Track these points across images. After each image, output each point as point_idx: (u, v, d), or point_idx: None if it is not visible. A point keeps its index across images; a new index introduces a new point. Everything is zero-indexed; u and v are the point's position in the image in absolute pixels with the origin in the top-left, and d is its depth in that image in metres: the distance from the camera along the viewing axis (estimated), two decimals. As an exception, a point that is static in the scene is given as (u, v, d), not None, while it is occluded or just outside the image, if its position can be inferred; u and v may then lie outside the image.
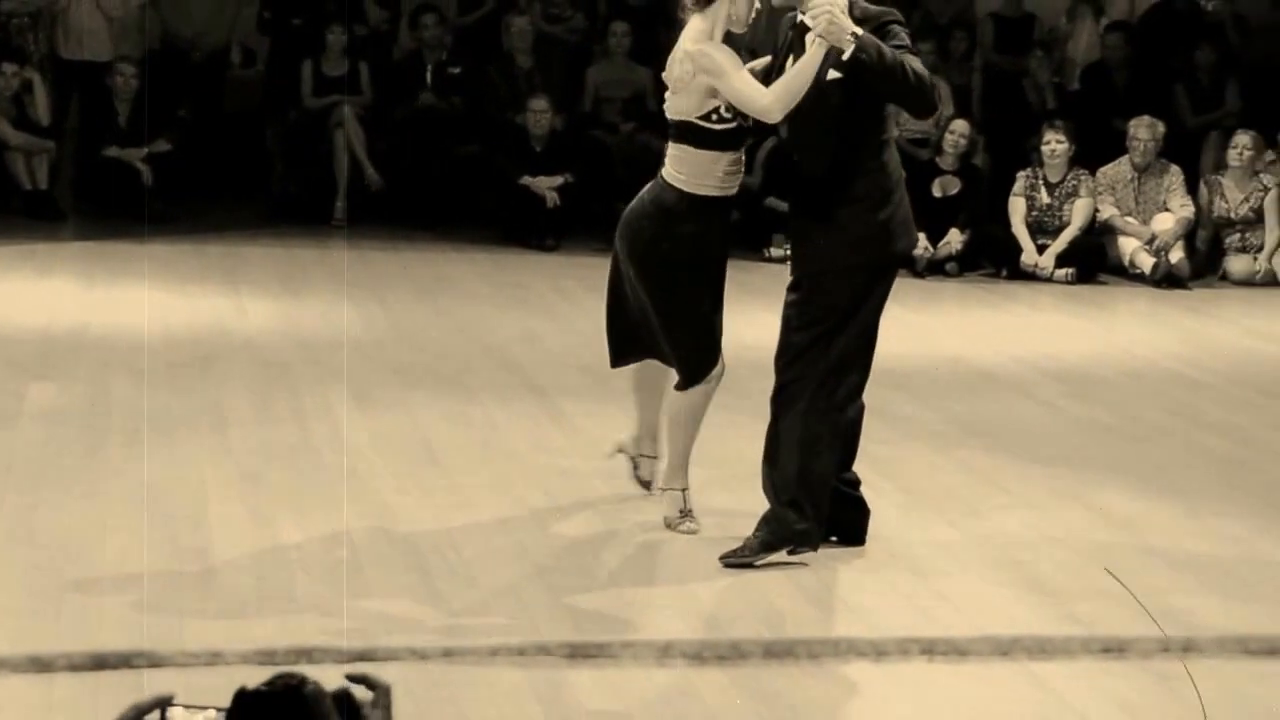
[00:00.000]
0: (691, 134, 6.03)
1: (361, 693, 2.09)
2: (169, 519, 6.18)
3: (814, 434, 5.99)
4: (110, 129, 12.50)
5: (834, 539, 6.23)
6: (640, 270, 6.13)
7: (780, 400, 6.04)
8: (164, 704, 1.97)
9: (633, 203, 6.25)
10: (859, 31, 5.80)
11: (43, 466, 6.73)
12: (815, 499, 6.02)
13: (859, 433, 6.27)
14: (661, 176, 6.13)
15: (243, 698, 2.03)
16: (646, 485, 6.56)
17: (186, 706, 1.99)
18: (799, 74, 5.92)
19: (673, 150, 6.11)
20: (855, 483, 6.30)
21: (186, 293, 10.18)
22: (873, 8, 5.99)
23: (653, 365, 6.37)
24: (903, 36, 5.94)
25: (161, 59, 13.16)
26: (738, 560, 5.99)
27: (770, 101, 5.94)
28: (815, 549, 6.04)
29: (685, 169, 6.06)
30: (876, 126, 6.09)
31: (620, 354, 6.39)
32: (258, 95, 13.52)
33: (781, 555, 5.99)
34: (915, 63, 5.88)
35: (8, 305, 9.55)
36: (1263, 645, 5.55)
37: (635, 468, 6.56)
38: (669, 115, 6.13)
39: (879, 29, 5.89)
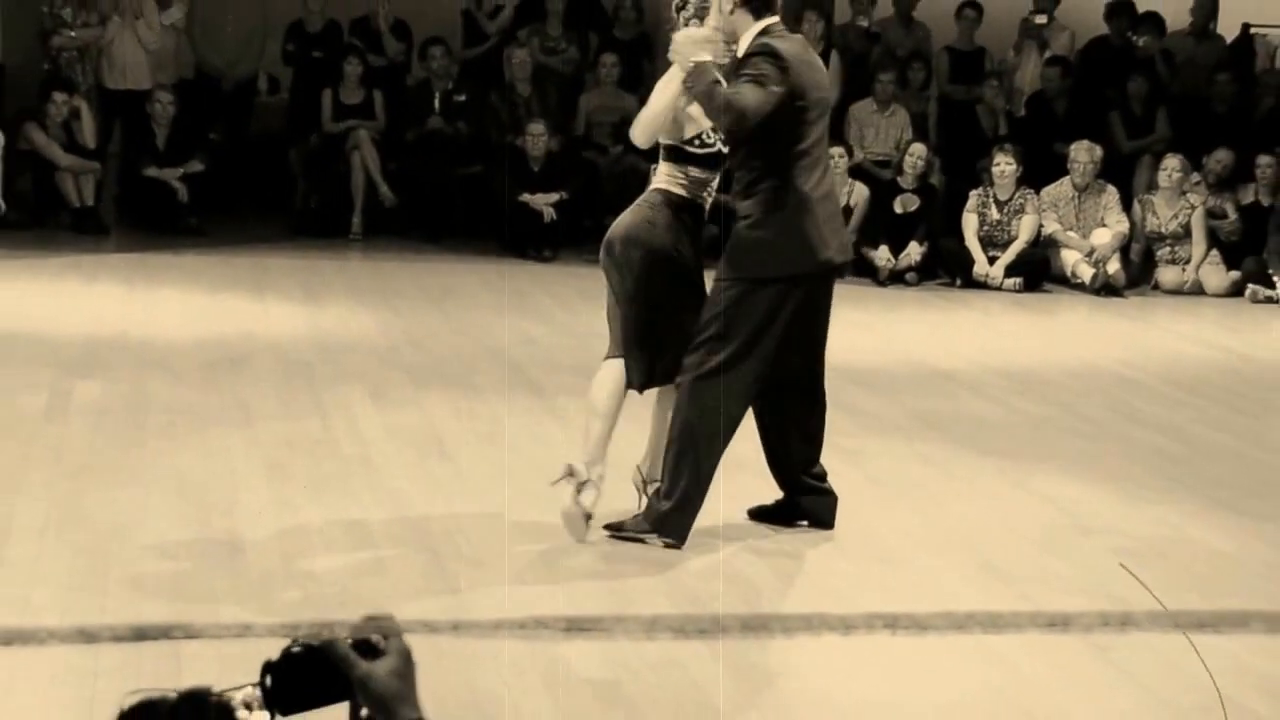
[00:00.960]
0: (676, 156, 6.00)
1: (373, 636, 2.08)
2: (202, 504, 6.16)
3: (690, 430, 5.89)
4: (149, 151, 12.47)
5: (805, 524, 6.22)
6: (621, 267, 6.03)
7: (678, 395, 5.96)
8: (205, 694, 1.94)
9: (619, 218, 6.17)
10: (700, 59, 5.75)
11: (88, 457, 6.71)
12: (692, 488, 5.88)
13: (818, 432, 6.19)
14: (647, 193, 6.09)
15: (270, 668, 2.01)
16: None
17: (220, 693, 1.97)
18: (651, 102, 5.89)
19: (661, 168, 6.08)
20: (822, 475, 6.25)
21: (217, 299, 10.15)
22: (771, 43, 5.83)
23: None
24: (760, 66, 5.74)
25: (196, 88, 13.15)
26: (617, 534, 5.96)
27: (634, 129, 5.98)
28: (680, 543, 5.88)
29: (667, 182, 6.03)
30: (768, 150, 5.86)
31: (649, 379, 6.10)
32: (282, 120, 13.49)
33: (656, 539, 5.89)
34: (744, 92, 5.68)
35: (57, 311, 9.52)
36: (1192, 620, 5.53)
37: (645, 489, 6.16)
38: (660, 140, 6.05)
39: (745, 58, 5.81)
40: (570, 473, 5.92)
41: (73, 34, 12.74)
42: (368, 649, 2.06)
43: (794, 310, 5.94)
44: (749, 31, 5.85)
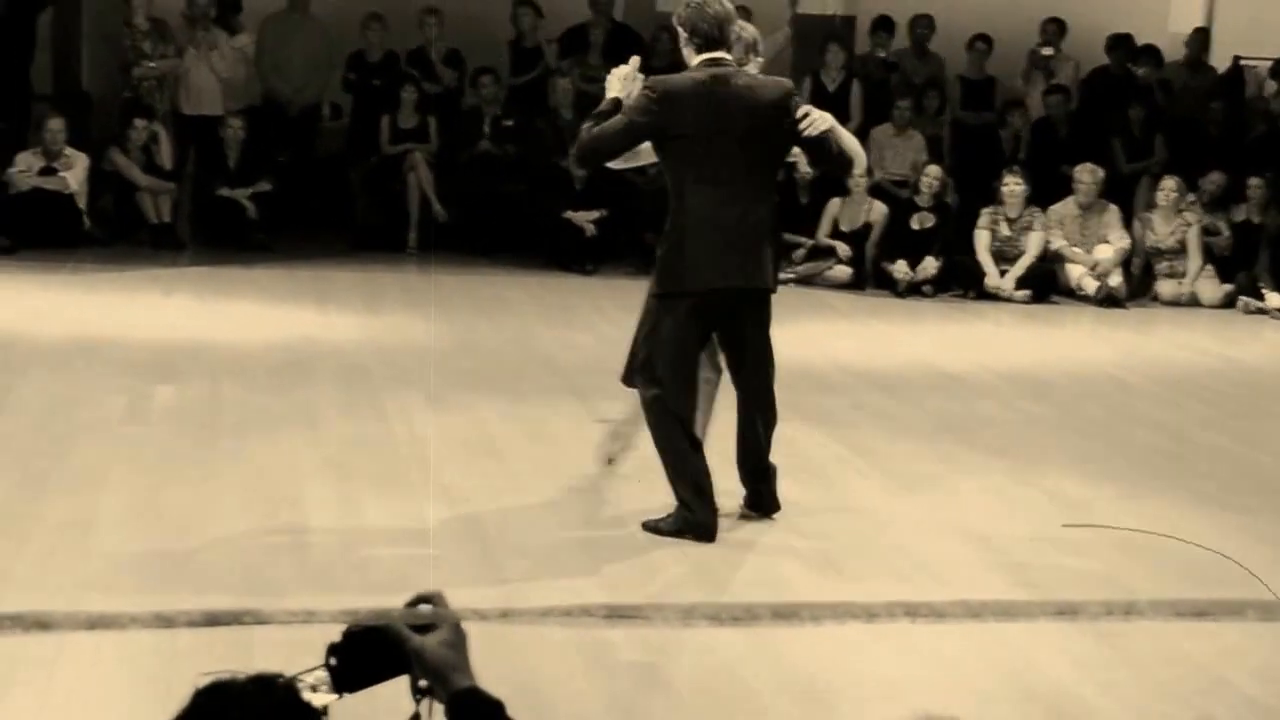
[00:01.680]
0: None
1: (422, 608, 2.07)
2: (270, 499, 6.16)
3: (661, 444, 5.91)
4: (222, 172, 12.50)
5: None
6: None
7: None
8: (273, 676, 1.93)
9: None
10: (613, 95, 5.84)
11: (166, 455, 6.71)
12: (688, 494, 5.88)
13: (751, 439, 6.07)
14: None
15: (334, 649, 2.00)
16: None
17: (293, 678, 1.96)
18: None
19: None
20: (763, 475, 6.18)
21: (283, 309, 10.17)
22: (658, 78, 5.87)
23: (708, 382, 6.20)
24: (637, 100, 5.79)
25: (264, 114, 13.17)
26: (653, 528, 5.93)
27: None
28: (711, 540, 5.88)
29: None
30: (670, 174, 5.87)
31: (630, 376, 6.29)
32: (344, 143, 13.50)
33: (688, 539, 5.87)
34: (606, 123, 5.77)
35: (136, 320, 9.54)
36: (1191, 608, 5.45)
37: None
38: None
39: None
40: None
41: (152, 65, 12.79)
42: (420, 626, 2.05)
43: (703, 323, 5.87)
44: (693, 64, 5.87)
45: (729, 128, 5.76)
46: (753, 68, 6.05)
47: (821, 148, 5.85)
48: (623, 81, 5.87)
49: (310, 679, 1.95)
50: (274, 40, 13.22)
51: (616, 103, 5.84)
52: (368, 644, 1.98)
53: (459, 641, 2.01)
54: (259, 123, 12.86)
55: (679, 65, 6.00)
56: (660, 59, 13.65)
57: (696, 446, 5.95)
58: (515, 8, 13.54)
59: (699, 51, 5.86)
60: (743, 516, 6.18)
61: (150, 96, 12.79)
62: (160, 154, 12.51)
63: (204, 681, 1.88)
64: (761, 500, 6.18)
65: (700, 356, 6.02)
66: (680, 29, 5.90)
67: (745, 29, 6.07)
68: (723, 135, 5.77)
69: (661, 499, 6.08)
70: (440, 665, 1.99)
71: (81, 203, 12.00)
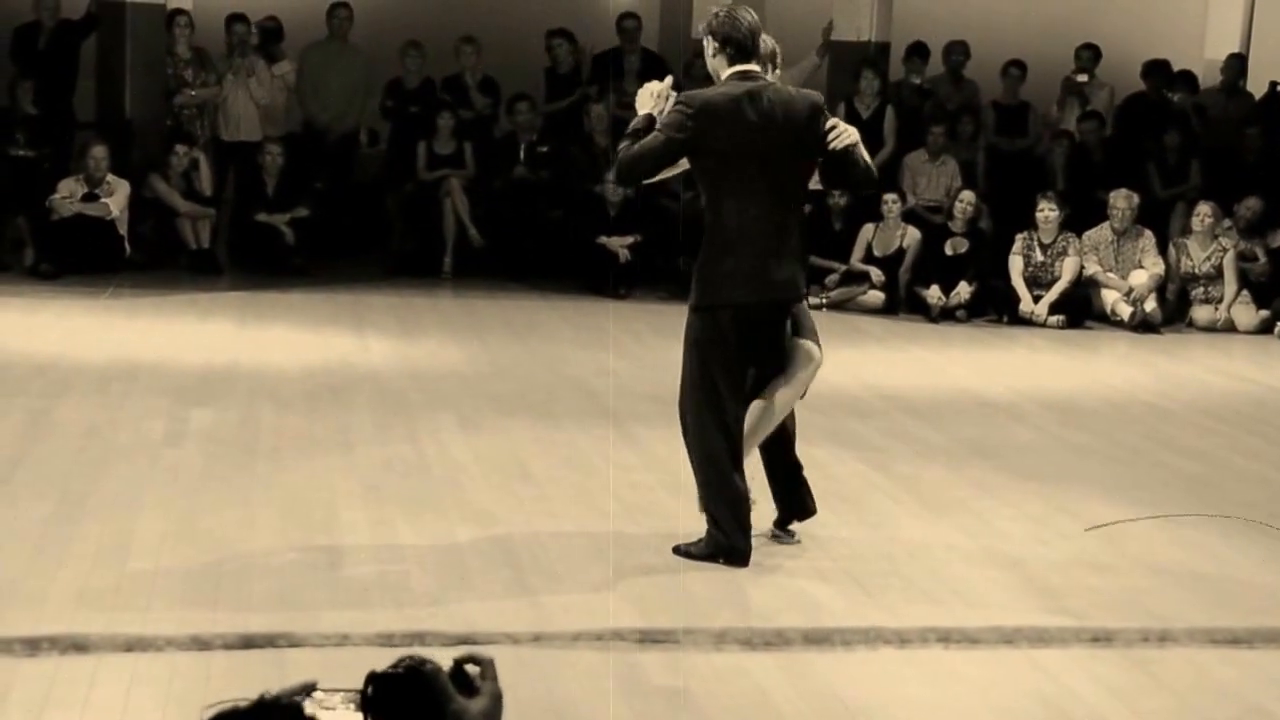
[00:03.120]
0: None
1: (471, 668, 2.05)
2: (305, 522, 6.17)
3: (700, 463, 5.88)
4: (260, 198, 12.57)
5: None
6: None
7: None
8: (309, 689, 1.93)
9: None
10: (645, 112, 5.83)
11: (203, 477, 6.74)
12: (723, 516, 5.84)
13: (777, 442, 6.05)
14: None
15: (374, 679, 1.99)
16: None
17: (327, 690, 1.95)
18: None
19: None
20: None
21: (320, 333, 10.20)
22: (692, 92, 5.87)
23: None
24: (671, 115, 5.77)
25: (303, 140, 13.25)
26: (684, 553, 5.91)
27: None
28: (744, 565, 5.84)
29: None
30: (705, 188, 5.87)
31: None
32: (381, 170, 13.57)
33: (719, 564, 5.83)
34: (642, 141, 5.76)
35: (175, 344, 9.59)
36: (1226, 635, 5.46)
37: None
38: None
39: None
40: None
41: (193, 93, 12.89)
42: (464, 684, 2.03)
43: (739, 336, 5.83)
44: (724, 75, 5.87)
45: (763, 141, 5.77)
46: (772, 80, 6.04)
47: (845, 161, 5.84)
48: (654, 98, 5.87)
49: (339, 696, 1.94)
50: (314, 68, 13.30)
51: (650, 119, 5.84)
52: (409, 686, 1.96)
53: (496, 713, 2.00)
54: (297, 149, 12.93)
55: (712, 83, 6.00)
56: (695, 83, 13.69)
57: (738, 469, 5.89)
58: (549, 37, 13.60)
59: (731, 63, 5.86)
60: (774, 538, 6.16)
61: (191, 124, 12.89)
62: (200, 180, 12.60)
63: (209, 714, 1.89)
64: (800, 502, 6.12)
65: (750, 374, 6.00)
66: (711, 39, 5.89)
67: (765, 40, 6.07)
68: (757, 149, 5.77)
69: (692, 523, 6.07)
70: None
71: (122, 229, 12.08)
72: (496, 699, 2.00)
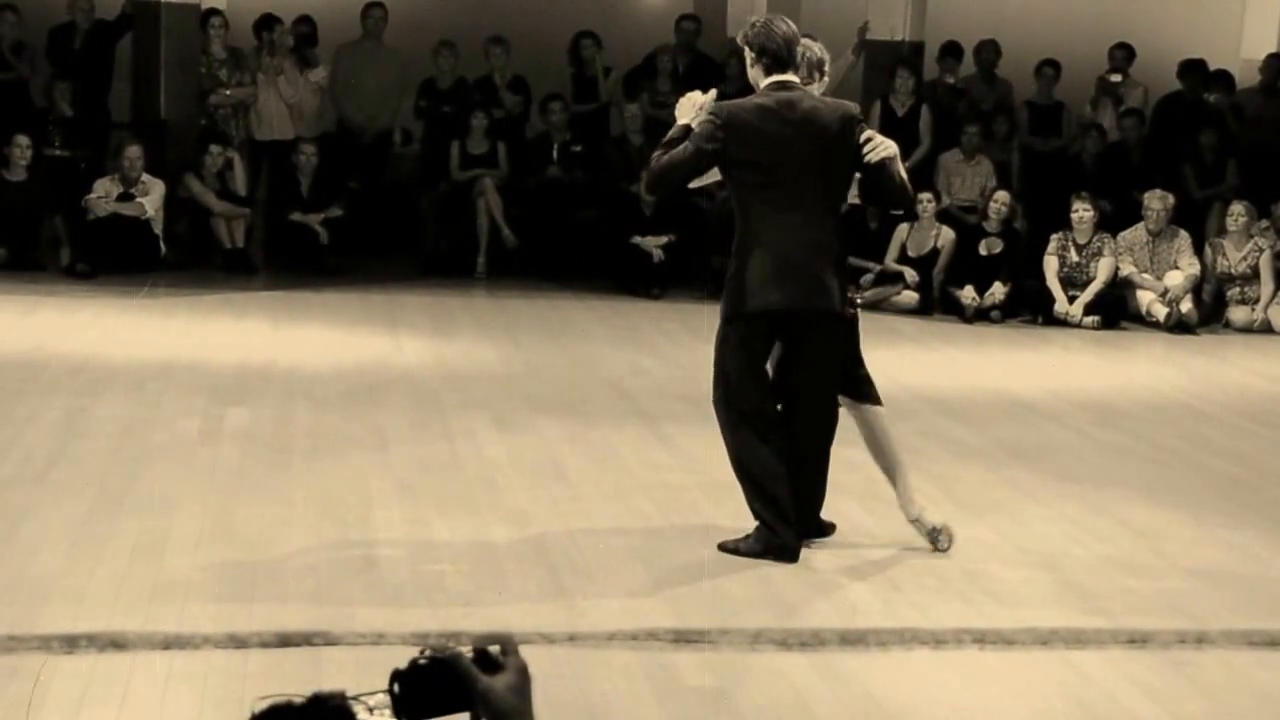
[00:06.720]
0: None
1: (492, 648, 2.05)
2: (340, 521, 6.19)
3: (742, 469, 5.90)
4: (294, 198, 12.61)
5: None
6: None
7: None
8: (328, 697, 1.93)
9: None
10: (683, 122, 5.83)
11: (238, 476, 6.76)
12: (770, 515, 5.85)
13: (809, 472, 6.01)
14: None
15: (398, 677, 1.99)
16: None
17: (353, 698, 1.95)
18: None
19: None
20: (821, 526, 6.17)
21: (354, 333, 10.23)
22: (724, 104, 5.87)
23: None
24: (703, 125, 5.78)
25: (336, 140, 13.29)
26: (732, 549, 5.91)
27: None
28: (794, 561, 5.86)
29: None
30: (736, 198, 5.88)
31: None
32: (415, 170, 13.60)
33: (769, 561, 5.84)
34: (674, 150, 5.78)
35: (210, 344, 9.62)
36: (1264, 638, 5.43)
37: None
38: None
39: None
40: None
41: (227, 93, 12.94)
42: (488, 664, 2.03)
43: (769, 345, 5.87)
44: (762, 84, 5.88)
45: (794, 153, 5.75)
46: (817, 88, 6.03)
47: (881, 175, 5.81)
48: (695, 109, 5.87)
49: (371, 701, 1.95)
50: (349, 68, 13.34)
51: (686, 129, 5.84)
52: (433, 676, 1.97)
53: (524, 687, 2.00)
54: (331, 149, 12.97)
55: (749, 89, 6.00)
56: (731, 84, 13.70)
57: (781, 467, 5.88)
58: (576, 39, 13.62)
59: (767, 73, 5.86)
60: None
61: (225, 124, 12.94)
62: (234, 180, 12.64)
63: (261, 706, 1.89)
64: (818, 526, 6.14)
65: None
66: (747, 50, 5.90)
67: (811, 48, 6.04)
68: (788, 160, 5.76)
69: (731, 520, 6.06)
70: (505, 711, 1.98)
71: (157, 228, 12.14)
72: (522, 672, 2.00)
